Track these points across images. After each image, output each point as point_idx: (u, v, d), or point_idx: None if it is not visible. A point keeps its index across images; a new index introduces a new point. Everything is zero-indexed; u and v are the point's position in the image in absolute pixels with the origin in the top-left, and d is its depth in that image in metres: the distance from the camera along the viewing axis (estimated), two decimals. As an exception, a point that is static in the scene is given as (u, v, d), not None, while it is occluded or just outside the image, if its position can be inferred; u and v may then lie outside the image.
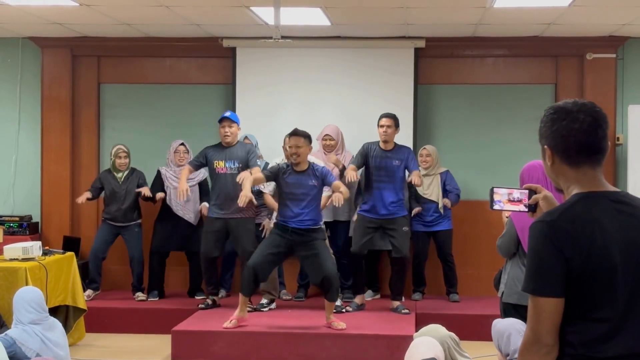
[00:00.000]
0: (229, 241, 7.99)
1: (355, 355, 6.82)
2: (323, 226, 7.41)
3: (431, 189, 8.38)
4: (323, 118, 8.85)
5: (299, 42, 8.36)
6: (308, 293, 8.49)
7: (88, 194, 8.38)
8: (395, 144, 7.78)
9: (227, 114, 7.87)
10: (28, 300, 5.47)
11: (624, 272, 2.34)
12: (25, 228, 8.88)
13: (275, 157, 8.19)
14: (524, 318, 3.10)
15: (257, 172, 7.17)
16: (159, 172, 8.47)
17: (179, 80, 9.27)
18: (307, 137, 6.97)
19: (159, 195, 8.32)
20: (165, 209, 8.41)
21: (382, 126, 7.71)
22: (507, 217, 4.79)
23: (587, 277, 2.31)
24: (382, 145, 7.74)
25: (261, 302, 7.79)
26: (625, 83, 8.86)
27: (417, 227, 8.26)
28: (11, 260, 6.81)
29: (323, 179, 6.94)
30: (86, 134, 9.29)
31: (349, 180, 7.40)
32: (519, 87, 9.04)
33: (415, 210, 8.23)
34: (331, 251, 7.40)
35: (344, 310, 7.63)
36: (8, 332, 5.38)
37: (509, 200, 2.74)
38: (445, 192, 8.40)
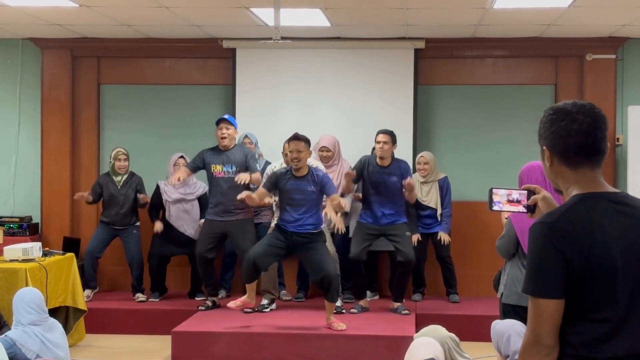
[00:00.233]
0: (229, 241, 7.99)
1: (355, 355, 6.82)
2: (325, 227, 7.44)
3: (430, 196, 8.37)
4: (323, 119, 8.87)
5: (298, 43, 8.37)
6: (308, 294, 8.49)
7: (89, 197, 8.37)
8: (393, 158, 7.75)
9: (225, 116, 7.87)
10: (28, 301, 5.46)
11: (624, 273, 2.34)
12: (25, 229, 8.88)
13: (275, 158, 8.19)
14: (523, 319, 3.11)
15: (257, 181, 7.18)
16: (158, 187, 8.45)
17: (178, 81, 9.27)
18: (307, 141, 6.96)
19: (157, 227, 8.30)
20: (163, 218, 8.41)
21: (378, 142, 7.67)
22: (506, 218, 4.79)
23: (588, 277, 2.31)
24: (378, 161, 7.70)
25: (262, 303, 7.79)
26: (625, 84, 8.86)
27: (413, 232, 8.24)
28: (11, 261, 6.82)
29: (322, 187, 6.91)
30: (86, 134, 9.29)
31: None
32: (519, 87, 9.04)
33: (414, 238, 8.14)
34: (334, 249, 7.42)
35: (344, 311, 7.63)
36: (8, 333, 5.38)
37: (507, 201, 2.74)
38: (443, 199, 8.37)
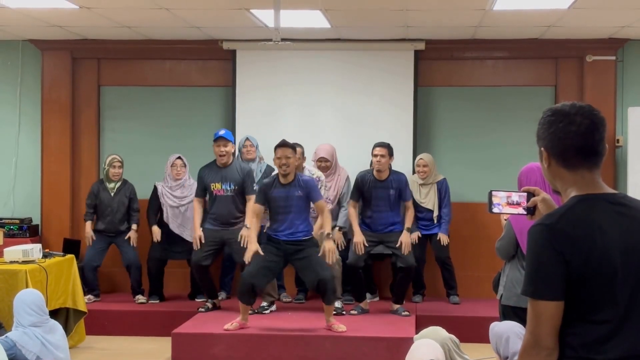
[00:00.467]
0: (227, 248, 7.99)
1: (355, 357, 6.81)
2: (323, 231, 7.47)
3: (428, 198, 8.37)
4: (323, 120, 8.87)
5: (299, 44, 8.37)
6: (308, 295, 8.49)
7: (90, 226, 8.39)
8: (390, 171, 7.75)
9: (222, 132, 7.82)
10: (28, 302, 5.47)
11: (623, 274, 2.34)
12: (25, 230, 8.88)
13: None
14: (523, 320, 3.10)
15: (254, 208, 7.07)
16: (155, 189, 8.43)
17: (179, 82, 9.28)
18: (295, 148, 7.01)
19: (156, 235, 8.29)
20: (161, 222, 8.41)
21: (375, 155, 7.68)
22: (505, 220, 4.79)
23: (587, 279, 2.31)
24: (376, 174, 7.70)
25: (262, 304, 7.79)
26: (625, 85, 8.86)
27: (413, 231, 8.22)
28: (11, 262, 6.81)
29: (308, 192, 6.90)
30: (86, 136, 9.29)
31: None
32: (519, 89, 9.04)
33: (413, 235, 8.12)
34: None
35: (344, 312, 7.63)
36: (8, 334, 5.39)
37: (507, 203, 2.74)
38: (440, 202, 8.37)
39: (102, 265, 8.51)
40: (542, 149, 2.50)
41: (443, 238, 8.29)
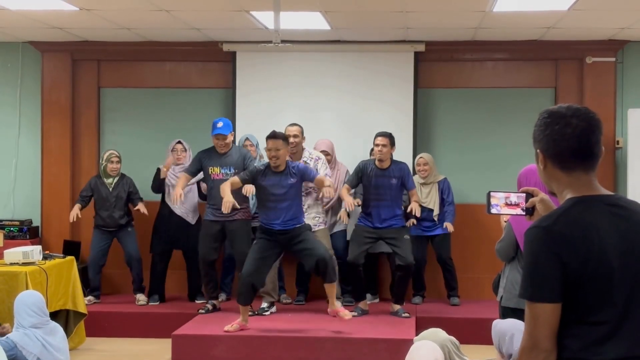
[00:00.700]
0: (227, 243, 7.99)
1: (355, 358, 6.81)
2: (325, 227, 7.52)
3: (429, 198, 8.37)
4: (323, 122, 8.87)
5: (299, 46, 8.37)
6: (308, 297, 8.49)
7: (78, 208, 8.33)
8: (392, 160, 7.76)
9: (220, 124, 7.75)
10: (29, 304, 5.47)
11: (621, 275, 2.34)
12: (25, 232, 8.88)
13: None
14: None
15: (232, 179, 7.10)
16: (158, 170, 8.44)
17: (179, 84, 9.28)
18: (286, 139, 7.04)
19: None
20: (163, 211, 8.41)
21: (377, 145, 7.68)
22: (505, 222, 4.79)
23: (585, 281, 2.32)
24: (378, 164, 7.70)
25: (262, 306, 7.79)
26: (625, 87, 8.87)
27: (414, 231, 8.24)
28: (11, 264, 6.82)
29: (302, 176, 6.97)
30: (86, 138, 9.30)
31: (348, 209, 7.57)
32: (519, 90, 9.05)
33: (409, 222, 8.12)
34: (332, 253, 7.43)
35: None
36: (9, 335, 5.38)
37: (505, 204, 2.75)
38: (443, 201, 8.38)
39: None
40: (538, 150, 2.50)
41: (449, 226, 8.28)
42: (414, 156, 8.73)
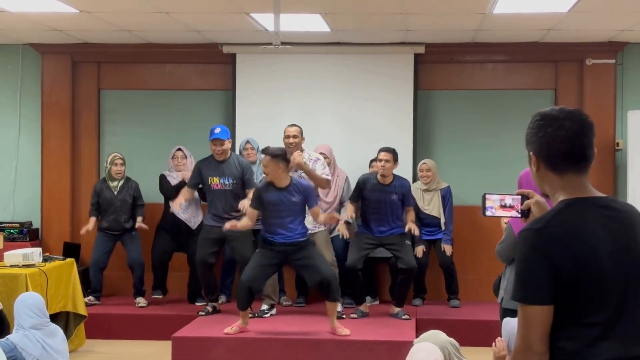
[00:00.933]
0: (227, 246, 7.99)
1: (355, 360, 6.82)
2: (325, 231, 7.52)
3: (432, 205, 8.37)
4: (323, 124, 8.87)
5: (298, 48, 8.37)
6: (308, 299, 8.49)
7: (94, 222, 8.36)
8: (394, 176, 7.75)
9: (217, 130, 7.75)
10: (29, 305, 5.47)
11: (613, 277, 2.35)
12: (25, 234, 8.88)
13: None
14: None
15: (248, 212, 7.03)
16: (163, 177, 8.42)
17: (179, 86, 9.29)
18: (277, 156, 6.77)
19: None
20: (166, 216, 8.41)
21: (380, 160, 7.67)
22: (506, 223, 4.79)
23: (577, 283, 2.32)
24: (379, 179, 7.70)
25: (262, 308, 7.79)
26: (625, 88, 8.87)
27: (418, 242, 8.22)
28: (11, 266, 6.82)
29: (305, 198, 6.88)
30: (86, 139, 9.30)
31: (344, 237, 7.65)
32: (519, 92, 9.05)
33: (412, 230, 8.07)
34: (332, 256, 7.42)
35: (344, 316, 7.63)
36: (9, 336, 5.38)
37: (500, 207, 2.75)
38: (445, 209, 8.38)
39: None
40: (531, 153, 2.51)
41: (447, 249, 8.30)
42: (414, 158, 8.74)
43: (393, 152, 7.70)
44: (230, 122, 8.98)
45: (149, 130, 9.29)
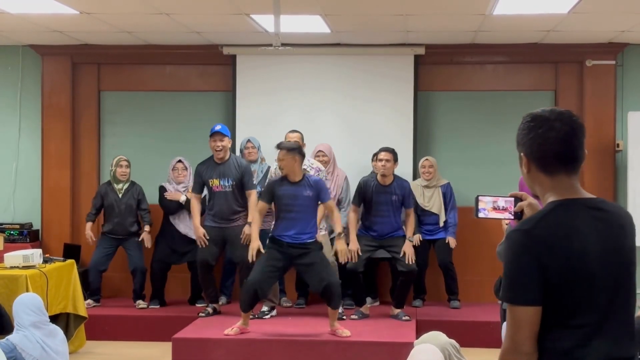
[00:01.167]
0: (228, 248, 7.99)
1: (355, 362, 6.81)
2: (325, 234, 7.50)
3: (432, 202, 8.39)
4: (323, 125, 8.87)
5: (299, 49, 8.37)
6: (308, 300, 8.49)
7: (89, 227, 8.38)
8: (394, 176, 7.76)
9: (218, 127, 7.81)
10: (27, 303, 5.48)
11: (601, 278, 2.35)
12: (25, 236, 8.89)
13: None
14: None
15: (256, 205, 7.13)
16: (162, 188, 8.42)
17: (179, 87, 9.29)
18: (292, 149, 6.81)
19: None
20: (166, 224, 8.41)
21: (380, 160, 7.69)
22: (507, 224, 4.80)
23: (565, 284, 2.32)
24: (380, 179, 7.71)
25: (262, 309, 7.78)
26: (625, 89, 8.87)
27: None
28: (12, 268, 6.82)
29: (318, 192, 6.88)
30: (86, 141, 9.30)
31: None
32: (519, 93, 9.05)
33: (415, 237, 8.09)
34: (333, 258, 7.42)
35: (344, 317, 7.62)
36: (9, 337, 5.39)
37: (493, 209, 2.76)
38: (446, 206, 8.39)
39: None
40: (522, 154, 2.51)
41: (451, 241, 8.31)
42: (414, 158, 8.75)
43: (393, 152, 7.71)
44: (230, 123, 8.98)
45: (149, 132, 9.29)
